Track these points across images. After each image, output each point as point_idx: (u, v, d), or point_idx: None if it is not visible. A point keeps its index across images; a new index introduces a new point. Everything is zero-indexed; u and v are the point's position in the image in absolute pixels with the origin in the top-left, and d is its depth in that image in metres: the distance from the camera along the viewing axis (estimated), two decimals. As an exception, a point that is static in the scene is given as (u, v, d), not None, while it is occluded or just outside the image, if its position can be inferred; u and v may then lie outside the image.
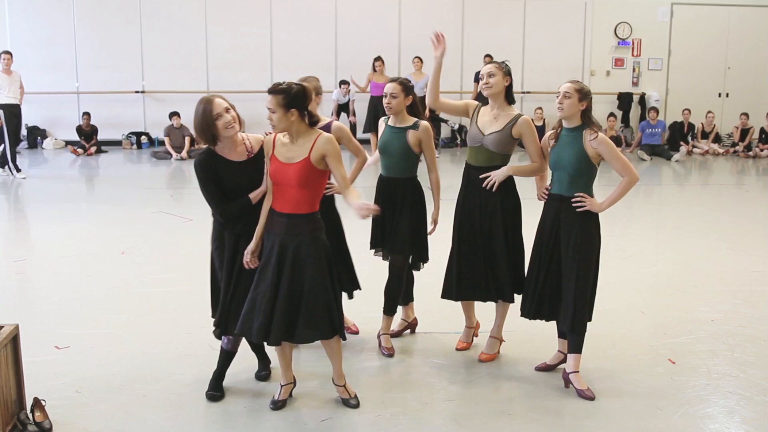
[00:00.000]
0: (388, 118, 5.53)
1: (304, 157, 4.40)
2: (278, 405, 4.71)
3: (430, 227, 5.54)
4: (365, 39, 17.43)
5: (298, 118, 4.42)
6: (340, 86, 16.73)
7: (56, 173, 13.70)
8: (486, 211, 5.21)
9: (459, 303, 5.59)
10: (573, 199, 4.85)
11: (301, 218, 4.45)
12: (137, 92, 17.49)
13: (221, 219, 4.54)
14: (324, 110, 17.03)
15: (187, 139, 16.27)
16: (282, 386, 4.77)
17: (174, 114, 16.34)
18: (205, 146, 4.61)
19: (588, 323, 4.94)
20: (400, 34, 17.81)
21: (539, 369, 5.26)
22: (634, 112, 18.52)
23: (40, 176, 13.20)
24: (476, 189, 5.21)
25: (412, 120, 5.44)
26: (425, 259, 5.63)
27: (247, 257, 4.59)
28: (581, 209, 4.84)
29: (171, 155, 16.08)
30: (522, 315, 5.15)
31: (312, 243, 4.45)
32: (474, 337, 5.71)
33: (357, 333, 5.91)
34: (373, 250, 5.70)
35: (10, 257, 8.17)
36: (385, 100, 5.41)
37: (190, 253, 8.18)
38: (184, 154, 16.05)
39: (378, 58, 16.42)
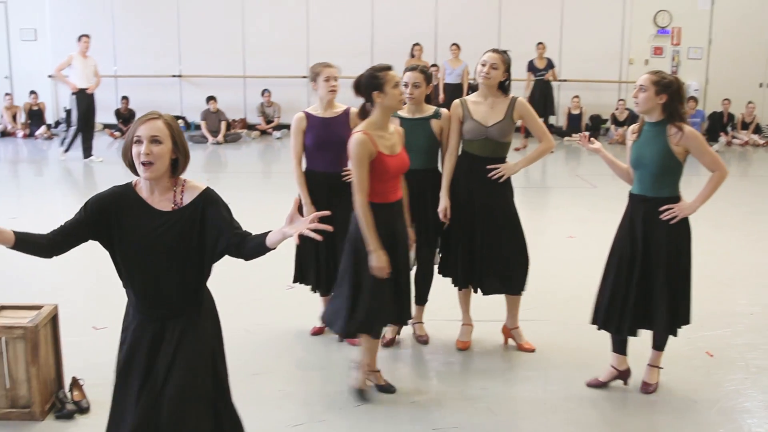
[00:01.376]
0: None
1: (401, 145, 4.59)
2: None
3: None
4: (401, 24, 17.34)
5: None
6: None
7: (95, 155, 13.79)
8: (490, 204, 5.14)
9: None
10: (662, 215, 4.49)
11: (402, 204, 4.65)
12: (174, 76, 17.57)
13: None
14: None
15: (223, 124, 16.32)
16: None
17: (211, 98, 16.41)
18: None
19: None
20: (436, 19, 17.72)
21: (591, 385, 4.89)
22: (673, 101, 18.31)
23: (79, 158, 13.31)
24: (479, 179, 5.11)
25: (431, 108, 5.28)
26: None
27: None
28: (674, 221, 4.50)
29: (207, 139, 16.14)
30: (601, 327, 4.80)
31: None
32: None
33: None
34: None
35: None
36: (407, 90, 5.14)
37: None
38: (220, 138, 16.11)
39: (416, 44, 16.34)
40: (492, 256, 5.17)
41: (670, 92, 4.44)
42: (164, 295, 3.18)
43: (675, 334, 4.70)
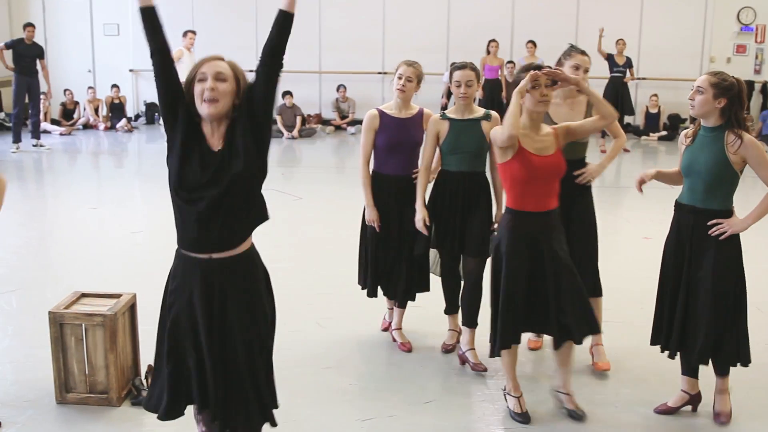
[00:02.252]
0: (442, 113, 5.09)
1: (556, 145, 4.30)
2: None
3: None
4: (478, 20, 17.23)
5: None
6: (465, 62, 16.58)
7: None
8: (572, 208, 4.80)
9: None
10: (711, 230, 4.16)
11: (557, 212, 4.36)
12: (251, 71, 17.73)
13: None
14: (435, 92, 16.97)
15: (298, 119, 16.44)
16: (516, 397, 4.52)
17: (287, 93, 16.54)
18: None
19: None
20: (513, 15, 17.56)
21: (659, 411, 4.56)
22: (755, 101, 17.80)
23: (156, 151, 13.59)
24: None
25: (481, 110, 5.04)
26: None
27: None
28: (723, 237, 4.16)
29: (282, 134, 16.28)
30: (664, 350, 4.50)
31: (563, 238, 4.36)
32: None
33: (410, 351, 5.38)
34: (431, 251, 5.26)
35: (127, 228, 8.46)
36: (460, 90, 4.91)
37: (298, 230, 8.29)
38: (295, 133, 16.23)
39: (492, 40, 16.21)
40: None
41: (730, 96, 4.08)
42: (214, 226, 3.09)
43: (724, 371, 4.36)
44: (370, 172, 5.20)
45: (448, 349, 5.34)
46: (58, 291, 5.94)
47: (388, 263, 5.21)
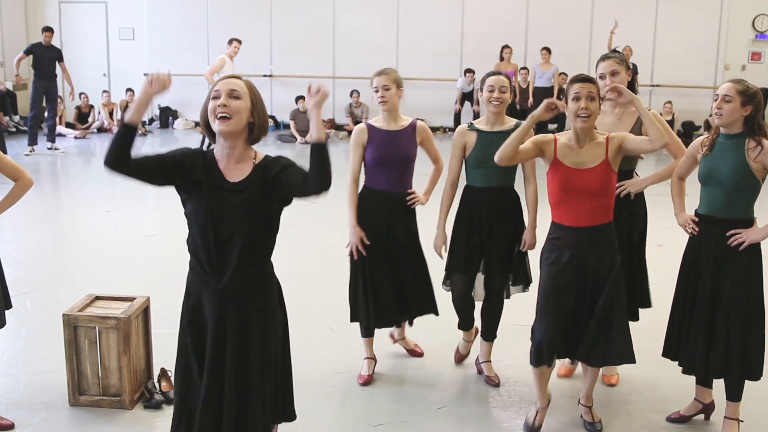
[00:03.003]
0: (470, 123, 4.84)
1: (601, 159, 4.07)
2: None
3: (524, 247, 4.80)
4: (492, 26, 17.23)
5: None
6: (464, 74, 16.62)
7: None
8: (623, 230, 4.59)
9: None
10: (730, 240, 4.08)
11: (604, 229, 4.15)
12: (265, 76, 17.82)
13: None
14: (449, 98, 16.99)
15: (311, 124, 16.47)
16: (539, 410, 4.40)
17: (300, 98, 16.55)
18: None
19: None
20: (527, 21, 17.55)
21: (672, 420, 4.53)
22: (771, 108, 17.80)
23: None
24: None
25: (512, 121, 4.76)
26: (529, 280, 4.92)
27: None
28: (742, 247, 4.07)
29: (296, 139, 16.31)
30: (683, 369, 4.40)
31: (614, 258, 4.14)
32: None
33: (422, 355, 5.39)
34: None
35: (141, 232, 8.49)
36: (494, 95, 4.66)
37: (311, 234, 8.30)
38: (308, 138, 16.25)
39: (506, 46, 16.19)
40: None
41: (755, 103, 4.05)
42: (228, 263, 3.16)
43: (736, 395, 4.25)
44: (360, 188, 4.88)
45: (461, 358, 5.27)
46: (72, 293, 5.97)
47: (388, 285, 4.84)
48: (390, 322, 5.01)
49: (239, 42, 13.70)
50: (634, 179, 4.73)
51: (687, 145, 4.45)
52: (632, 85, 4.77)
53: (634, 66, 15.51)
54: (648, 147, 4.08)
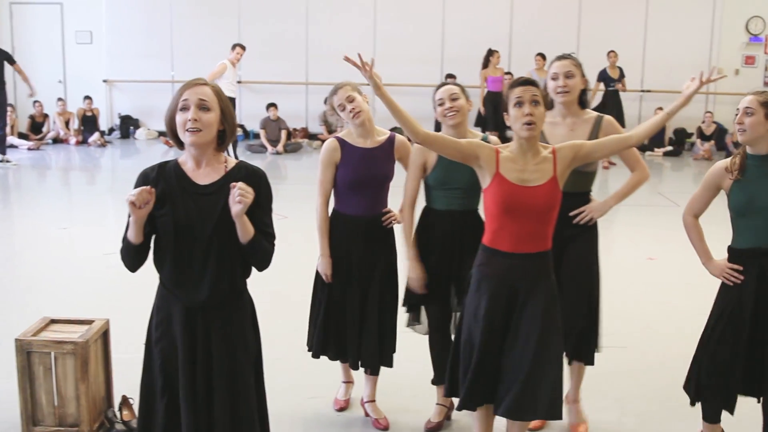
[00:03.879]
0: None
1: (549, 175, 3.73)
2: None
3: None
4: (474, 31, 17.33)
5: None
6: (445, 80, 16.64)
7: (148, 163, 14.01)
8: (567, 254, 4.41)
9: None
10: None
11: (542, 258, 3.79)
12: (240, 82, 17.78)
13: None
14: (429, 106, 17.00)
15: (283, 133, 16.46)
16: None
17: (271, 105, 16.57)
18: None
19: None
20: (511, 25, 17.66)
21: None
22: (766, 114, 17.96)
23: (132, 168, 13.55)
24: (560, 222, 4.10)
25: (476, 134, 4.49)
26: None
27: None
28: None
29: (266, 149, 16.30)
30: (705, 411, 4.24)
31: (548, 291, 3.79)
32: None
33: (386, 429, 4.77)
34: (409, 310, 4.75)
35: (99, 250, 8.42)
36: (445, 107, 4.38)
37: (282, 250, 8.24)
38: (280, 148, 16.25)
39: (494, 51, 16.14)
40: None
41: None
42: (200, 278, 3.20)
43: None
44: (329, 213, 4.66)
45: (432, 428, 4.72)
46: (26, 317, 5.88)
47: (351, 321, 4.61)
48: (344, 356, 4.74)
49: (243, 48, 13.73)
50: (594, 203, 4.50)
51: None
52: (584, 94, 4.58)
53: (621, 70, 15.65)
54: (629, 143, 3.85)
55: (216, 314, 3.27)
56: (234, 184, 3.06)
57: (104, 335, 4.70)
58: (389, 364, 4.69)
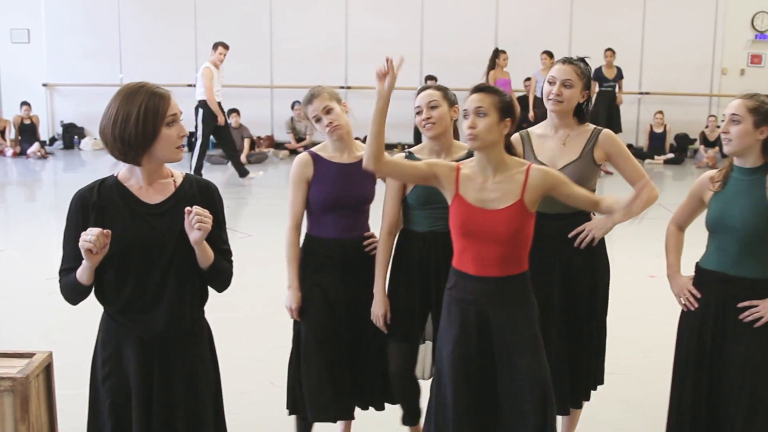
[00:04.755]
0: (409, 153, 4.38)
1: (515, 199, 3.64)
2: None
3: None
4: (456, 29, 17.40)
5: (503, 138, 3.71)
6: (425, 82, 16.69)
7: (94, 177, 13.93)
8: (568, 280, 4.32)
9: None
10: (743, 314, 3.79)
11: (514, 281, 3.73)
12: (190, 86, 17.72)
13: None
14: (407, 110, 16.96)
15: (246, 142, 16.42)
16: None
17: (232, 111, 16.51)
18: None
19: None
20: (497, 22, 17.74)
21: None
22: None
23: (75, 181, 13.43)
24: (552, 248, 4.22)
25: (462, 147, 4.35)
26: None
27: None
28: (759, 324, 3.77)
29: (227, 160, 16.23)
30: None
31: (528, 310, 3.76)
32: None
33: None
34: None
35: (40, 274, 8.32)
36: (422, 116, 4.23)
37: (248, 273, 8.21)
38: (242, 158, 16.19)
39: (501, 51, 15.82)
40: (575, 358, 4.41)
41: None
42: (156, 306, 3.20)
43: None
44: (302, 237, 4.53)
45: None
46: (-42, 349, 5.82)
47: (339, 367, 4.41)
48: (339, 414, 4.51)
49: (226, 47, 13.59)
50: (595, 220, 4.35)
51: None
52: (581, 108, 4.45)
53: (619, 70, 15.74)
54: (591, 207, 3.86)
55: (174, 345, 3.26)
56: (189, 209, 3.06)
57: (47, 370, 4.63)
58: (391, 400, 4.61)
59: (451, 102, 4.30)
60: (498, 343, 3.68)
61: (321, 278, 4.37)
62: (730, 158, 3.92)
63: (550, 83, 4.35)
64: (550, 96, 4.32)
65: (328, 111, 4.32)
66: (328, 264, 4.40)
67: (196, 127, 13.44)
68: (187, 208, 3.05)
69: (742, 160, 3.83)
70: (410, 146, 4.64)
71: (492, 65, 15.80)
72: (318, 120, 4.36)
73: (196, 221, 3.03)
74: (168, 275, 3.17)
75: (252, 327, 6.63)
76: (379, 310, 4.34)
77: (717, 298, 3.86)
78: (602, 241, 4.39)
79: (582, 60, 4.44)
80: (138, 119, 3.11)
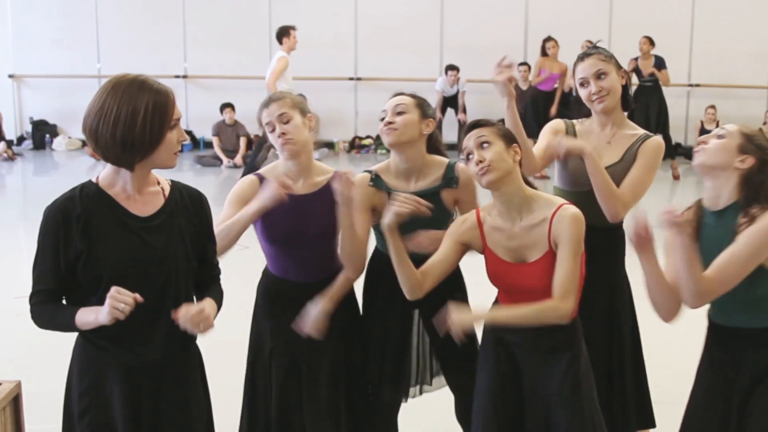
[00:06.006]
0: (375, 175, 4.28)
1: (545, 249, 3.68)
2: None
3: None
4: (480, 12, 17.37)
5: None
6: (446, 73, 16.82)
7: (69, 182, 13.94)
8: (613, 303, 4.44)
9: None
10: None
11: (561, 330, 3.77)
12: (177, 77, 17.76)
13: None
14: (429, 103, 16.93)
15: (242, 141, 16.40)
16: None
17: (226, 106, 16.52)
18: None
19: None
20: (527, 6, 17.72)
21: None
22: None
23: (47, 187, 13.46)
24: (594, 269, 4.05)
25: (439, 166, 4.28)
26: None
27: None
28: None
29: (221, 161, 16.25)
30: None
31: (572, 362, 3.78)
32: None
33: None
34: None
35: (8, 294, 8.30)
36: (386, 121, 4.20)
37: (245, 289, 8.15)
38: (238, 159, 16.19)
39: (549, 38, 15.92)
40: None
41: (762, 157, 3.53)
42: (151, 332, 3.20)
43: None
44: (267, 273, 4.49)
45: None
46: None
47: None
48: None
49: (294, 29, 13.36)
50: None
51: None
52: (626, 92, 4.53)
53: (660, 59, 15.64)
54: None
55: (165, 374, 3.28)
56: (183, 315, 3.08)
57: (15, 401, 4.61)
58: None
59: (425, 114, 4.25)
60: (533, 400, 3.76)
61: (283, 326, 4.29)
62: (697, 202, 3.72)
63: (583, 85, 4.41)
64: (592, 97, 4.37)
65: (285, 120, 4.18)
66: (283, 307, 4.34)
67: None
68: (181, 315, 3.09)
69: (714, 195, 3.60)
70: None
71: (543, 52, 15.69)
72: (272, 129, 4.19)
73: (199, 323, 3.11)
74: (164, 297, 3.18)
75: (243, 351, 6.60)
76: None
77: (731, 351, 3.65)
78: (618, 253, 4.51)
79: (594, 45, 4.54)
80: (145, 120, 3.06)
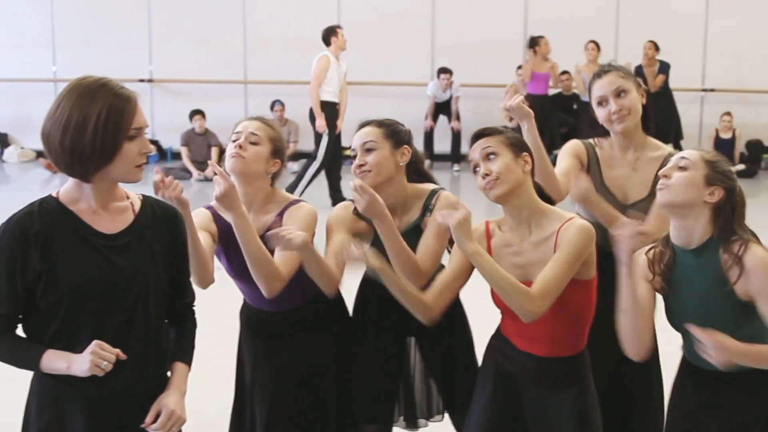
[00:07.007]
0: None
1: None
2: None
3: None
4: (475, 10, 17.36)
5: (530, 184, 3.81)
6: (438, 76, 16.79)
7: (22, 197, 13.88)
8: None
9: None
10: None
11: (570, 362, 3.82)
12: (142, 81, 17.73)
13: None
14: (415, 111, 16.85)
15: (214, 151, 16.33)
16: None
17: (196, 113, 16.47)
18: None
19: None
20: (527, 4, 17.72)
21: None
22: None
23: (5, 200, 13.42)
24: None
25: (422, 194, 4.26)
26: None
27: None
28: None
29: (191, 174, 16.19)
30: None
31: (577, 397, 3.80)
32: None
33: None
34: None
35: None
36: (356, 163, 4.19)
37: (227, 313, 8.12)
38: (209, 172, 16.14)
39: (540, 37, 16.12)
40: None
41: (729, 188, 3.52)
42: (122, 361, 3.10)
43: None
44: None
45: None
46: None
47: None
48: None
49: (340, 27, 13.25)
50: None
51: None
52: (647, 112, 4.54)
53: (665, 65, 15.66)
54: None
55: (132, 407, 3.22)
56: (153, 428, 3.16)
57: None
58: None
59: (398, 142, 4.21)
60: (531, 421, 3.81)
61: (258, 352, 4.43)
62: (665, 238, 3.69)
63: (602, 104, 4.40)
64: (612, 116, 4.35)
65: (254, 141, 4.20)
66: (271, 336, 4.44)
67: (316, 139, 13.11)
68: (154, 427, 3.17)
69: (683, 234, 3.59)
70: (422, 156, 4.58)
71: (533, 51, 15.75)
72: (234, 140, 4.23)
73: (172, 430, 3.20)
74: (132, 323, 3.15)
75: (218, 380, 6.58)
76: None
77: (710, 394, 3.67)
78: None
79: (610, 65, 4.55)
80: (96, 128, 3.00)
